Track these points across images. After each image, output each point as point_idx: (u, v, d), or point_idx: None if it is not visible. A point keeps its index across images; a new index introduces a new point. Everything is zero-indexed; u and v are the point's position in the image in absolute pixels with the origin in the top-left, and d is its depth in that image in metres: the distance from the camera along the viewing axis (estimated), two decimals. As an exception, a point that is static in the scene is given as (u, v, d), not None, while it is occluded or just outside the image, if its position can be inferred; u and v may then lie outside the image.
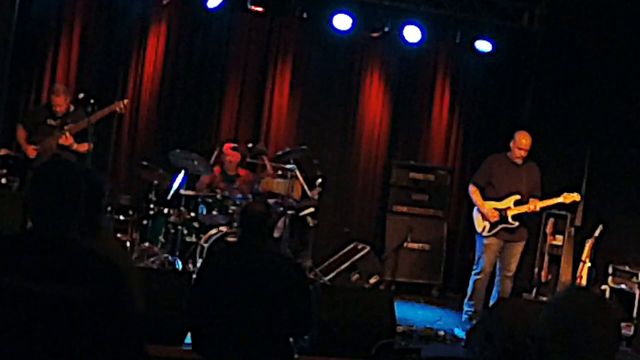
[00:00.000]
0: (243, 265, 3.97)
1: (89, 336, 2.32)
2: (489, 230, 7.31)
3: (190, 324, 4.11)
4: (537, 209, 7.31)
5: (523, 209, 7.26)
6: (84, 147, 7.60)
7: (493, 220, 7.26)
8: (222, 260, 4.17)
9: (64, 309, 2.29)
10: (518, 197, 7.28)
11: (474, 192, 7.43)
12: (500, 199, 7.32)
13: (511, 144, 7.33)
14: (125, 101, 7.86)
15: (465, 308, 7.49)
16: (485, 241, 7.32)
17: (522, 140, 7.25)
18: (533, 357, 2.21)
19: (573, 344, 2.14)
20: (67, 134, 7.54)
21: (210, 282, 3.97)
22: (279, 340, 3.92)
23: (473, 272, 7.45)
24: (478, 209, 7.39)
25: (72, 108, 7.68)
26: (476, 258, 7.45)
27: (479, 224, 7.38)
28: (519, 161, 7.31)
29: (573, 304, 2.22)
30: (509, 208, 7.27)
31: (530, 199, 7.29)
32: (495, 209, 7.29)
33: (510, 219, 7.26)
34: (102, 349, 2.34)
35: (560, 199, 7.26)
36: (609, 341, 2.18)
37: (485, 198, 7.37)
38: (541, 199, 7.31)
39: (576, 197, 7.28)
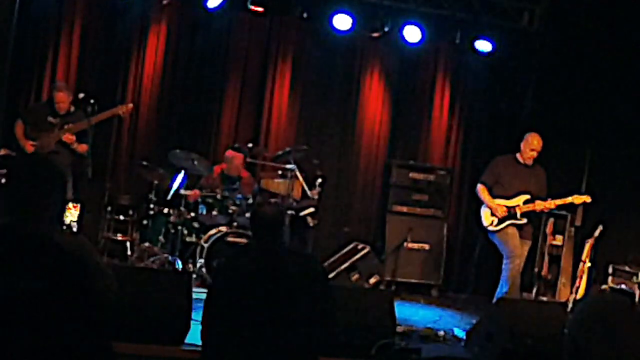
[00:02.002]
0: (263, 268, 3.81)
1: (52, 328, 2.31)
2: (496, 225, 7.37)
3: (207, 341, 3.86)
4: (550, 207, 7.42)
5: (534, 207, 7.34)
6: (83, 148, 7.62)
7: (501, 215, 7.34)
8: (238, 269, 3.94)
9: (26, 301, 2.29)
10: (528, 196, 7.38)
11: (482, 190, 7.50)
12: (509, 197, 7.40)
13: (522, 145, 7.43)
14: (130, 105, 7.87)
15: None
16: (508, 230, 7.34)
17: (534, 142, 7.36)
18: (567, 353, 2.22)
19: (604, 340, 2.16)
20: (69, 134, 7.55)
21: (228, 292, 3.79)
22: (304, 345, 3.78)
23: (505, 266, 7.38)
24: (486, 205, 7.45)
25: (72, 109, 7.69)
26: (503, 251, 7.42)
27: (487, 219, 7.44)
28: (529, 162, 7.42)
29: (605, 303, 2.25)
30: (518, 206, 7.36)
31: (537, 201, 7.39)
32: (505, 206, 7.36)
33: (518, 215, 7.33)
34: (66, 341, 2.33)
35: (570, 199, 7.36)
36: (637, 342, 2.20)
37: (494, 196, 7.44)
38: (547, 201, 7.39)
39: (587, 198, 7.40)
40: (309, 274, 3.85)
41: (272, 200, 7.98)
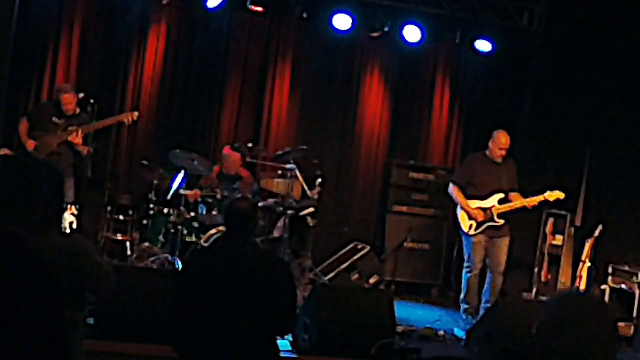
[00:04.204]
0: (227, 263, 3.93)
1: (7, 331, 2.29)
2: (476, 229, 7.38)
3: (177, 326, 4.00)
4: (525, 206, 7.37)
5: (510, 206, 7.35)
6: (85, 149, 7.64)
7: (480, 220, 7.34)
8: (206, 259, 4.13)
9: None
10: (502, 195, 7.40)
11: (456, 191, 7.51)
12: (482, 197, 7.40)
13: (490, 144, 7.45)
14: (135, 113, 7.87)
15: (463, 306, 7.58)
16: (474, 239, 7.42)
17: (502, 140, 7.38)
18: (535, 358, 2.21)
19: (572, 343, 2.15)
20: (80, 132, 7.56)
21: (194, 283, 3.92)
22: (265, 338, 3.89)
23: (465, 271, 7.54)
24: (462, 208, 7.46)
25: (78, 110, 7.69)
26: (466, 257, 7.54)
27: (465, 224, 7.44)
28: (499, 160, 7.43)
29: (572, 304, 2.23)
30: (493, 206, 7.35)
31: (511, 194, 7.42)
32: (480, 208, 7.35)
33: (496, 218, 7.34)
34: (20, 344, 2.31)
35: (543, 197, 7.32)
36: (608, 341, 2.19)
37: (467, 197, 7.43)
38: (520, 193, 7.43)
39: (560, 194, 7.35)
40: (267, 271, 3.91)
41: (272, 200, 7.99)
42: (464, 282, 7.55)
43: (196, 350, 3.80)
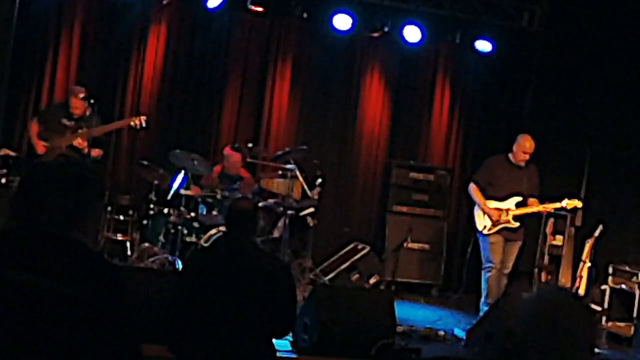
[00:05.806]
0: (227, 262, 3.93)
1: (81, 333, 2.32)
2: (490, 229, 7.38)
3: (173, 324, 4.01)
4: (541, 211, 7.40)
5: (526, 210, 7.36)
6: (96, 152, 7.65)
7: (495, 219, 7.33)
8: (206, 259, 4.13)
9: (57, 305, 2.30)
10: (520, 198, 7.39)
11: (475, 190, 7.50)
12: (501, 199, 7.39)
13: (514, 147, 7.42)
14: (142, 117, 7.87)
15: (483, 308, 7.39)
16: (491, 239, 7.39)
17: (526, 144, 7.36)
18: (514, 355, 2.22)
19: (549, 340, 2.16)
20: (80, 139, 7.56)
21: (193, 281, 3.93)
22: (261, 339, 3.89)
23: (484, 271, 7.45)
24: (479, 207, 7.45)
25: (88, 112, 7.68)
26: (484, 257, 7.47)
27: (480, 222, 7.44)
28: (522, 164, 7.41)
29: (547, 301, 2.24)
30: (509, 208, 7.35)
31: (529, 200, 7.40)
32: (497, 208, 7.36)
33: (511, 219, 7.34)
34: (95, 346, 2.35)
35: (561, 204, 7.34)
36: (585, 337, 2.20)
37: (486, 197, 7.44)
38: (539, 198, 7.42)
39: (577, 203, 7.39)
40: (267, 271, 3.91)
41: (272, 200, 7.98)
42: (484, 283, 7.45)
43: (194, 350, 3.79)
